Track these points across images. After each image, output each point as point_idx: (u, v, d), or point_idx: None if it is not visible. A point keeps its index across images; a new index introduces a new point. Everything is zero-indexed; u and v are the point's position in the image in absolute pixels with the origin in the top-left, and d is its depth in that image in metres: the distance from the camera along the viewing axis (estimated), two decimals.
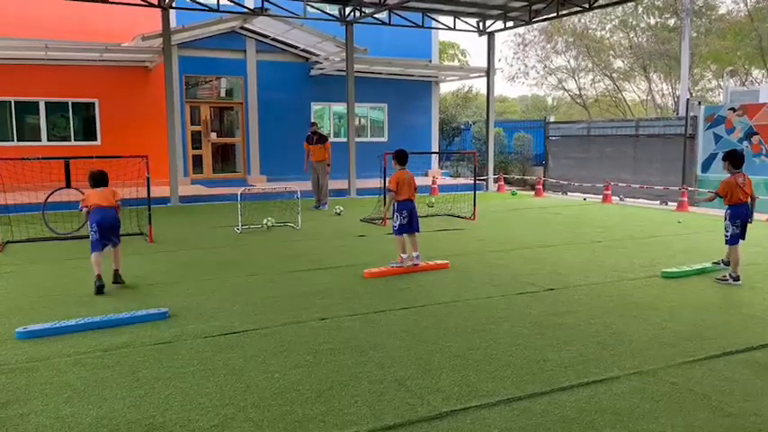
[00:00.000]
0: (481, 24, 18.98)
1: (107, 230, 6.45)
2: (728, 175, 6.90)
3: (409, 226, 7.51)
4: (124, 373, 4.20)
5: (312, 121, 15.07)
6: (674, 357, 4.51)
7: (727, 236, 6.91)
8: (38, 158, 9.71)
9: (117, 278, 6.64)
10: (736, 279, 6.78)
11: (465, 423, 3.49)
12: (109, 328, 5.16)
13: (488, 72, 19.49)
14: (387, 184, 7.59)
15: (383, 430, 3.42)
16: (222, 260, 8.16)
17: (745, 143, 14.00)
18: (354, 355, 4.56)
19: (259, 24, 17.46)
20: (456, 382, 4.04)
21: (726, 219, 6.91)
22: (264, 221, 10.86)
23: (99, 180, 6.68)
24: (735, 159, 6.90)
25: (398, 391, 3.91)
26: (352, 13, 16.54)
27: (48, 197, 10.14)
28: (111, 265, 6.62)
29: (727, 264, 7.09)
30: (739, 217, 6.82)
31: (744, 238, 6.90)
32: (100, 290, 6.29)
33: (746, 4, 26.88)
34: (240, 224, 10.64)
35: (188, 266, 7.75)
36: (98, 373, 4.20)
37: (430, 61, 21.33)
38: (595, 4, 15.54)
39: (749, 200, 6.84)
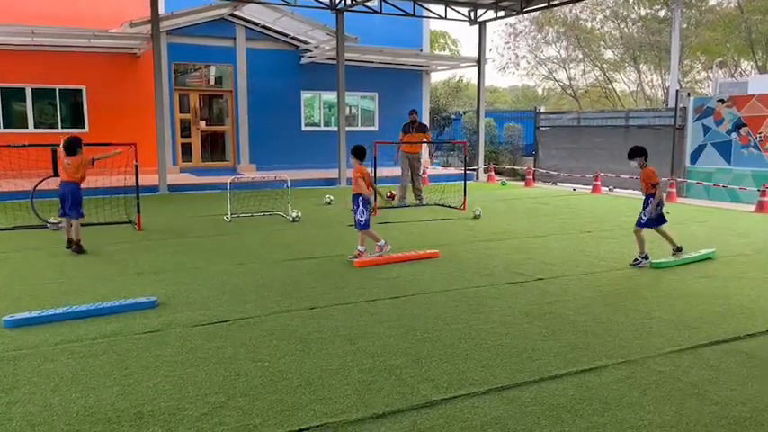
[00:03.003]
0: (472, 13, 18.92)
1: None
2: (644, 167, 7.36)
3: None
4: (112, 362, 4.18)
5: (413, 108, 14.74)
6: (662, 346, 4.55)
7: (644, 219, 7.30)
8: (24, 146, 9.60)
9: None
10: (646, 257, 7.19)
11: (455, 411, 3.50)
12: (97, 316, 5.13)
13: (479, 62, 19.45)
14: (359, 179, 7.44)
15: (373, 419, 3.42)
16: (211, 249, 8.12)
17: (734, 135, 14.09)
18: (344, 343, 4.56)
19: (248, 11, 17.31)
20: (446, 371, 4.05)
21: (647, 204, 7.31)
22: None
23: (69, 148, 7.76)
24: (646, 153, 7.36)
25: (388, 380, 3.91)
26: (343, 1, 16.42)
27: (36, 185, 10.05)
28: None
29: (679, 249, 7.52)
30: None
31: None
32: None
33: None
34: (229, 213, 10.59)
35: (177, 255, 7.71)
36: (86, 362, 4.18)
37: (421, 50, 21.25)
38: None
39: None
